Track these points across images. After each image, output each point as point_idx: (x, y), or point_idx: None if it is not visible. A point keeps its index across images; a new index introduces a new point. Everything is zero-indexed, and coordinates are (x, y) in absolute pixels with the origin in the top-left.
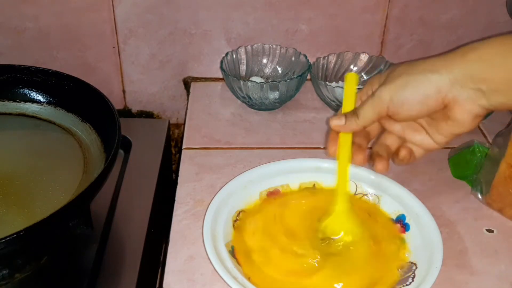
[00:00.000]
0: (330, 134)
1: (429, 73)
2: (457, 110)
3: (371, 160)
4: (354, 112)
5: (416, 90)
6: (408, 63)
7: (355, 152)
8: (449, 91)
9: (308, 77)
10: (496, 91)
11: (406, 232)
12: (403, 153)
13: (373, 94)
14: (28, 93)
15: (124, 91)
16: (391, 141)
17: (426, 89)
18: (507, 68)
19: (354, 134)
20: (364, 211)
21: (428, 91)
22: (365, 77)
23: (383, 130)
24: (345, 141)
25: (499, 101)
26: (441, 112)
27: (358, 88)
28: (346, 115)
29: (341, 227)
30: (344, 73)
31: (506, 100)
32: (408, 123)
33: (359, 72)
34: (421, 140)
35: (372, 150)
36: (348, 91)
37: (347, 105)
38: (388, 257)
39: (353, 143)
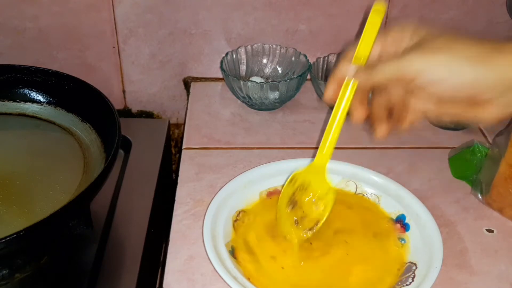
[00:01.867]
0: (333, 76)
1: (469, 62)
2: (486, 111)
3: (368, 121)
4: (372, 65)
5: (450, 75)
6: (450, 36)
7: (355, 105)
8: (486, 91)
9: (308, 77)
10: None
11: (406, 232)
12: (408, 119)
13: (402, 55)
14: (28, 93)
15: (124, 91)
16: (394, 92)
17: (461, 78)
18: None
19: (363, 89)
20: (365, 209)
21: (463, 82)
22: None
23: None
24: (346, 89)
25: None
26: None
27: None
28: (359, 66)
29: (313, 179)
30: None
31: None
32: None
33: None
34: (427, 102)
35: (372, 108)
36: (368, 32)
37: (363, 49)
38: (388, 256)
39: (356, 98)
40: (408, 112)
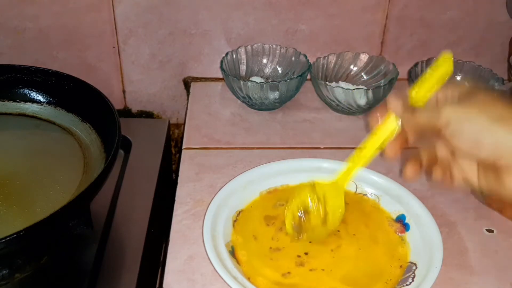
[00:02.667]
0: (381, 107)
1: (497, 123)
2: (508, 179)
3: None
4: (414, 109)
5: (473, 130)
6: (490, 96)
7: (393, 141)
8: (506, 155)
9: (308, 77)
10: None
11: (406, 232)
12: (438, 172)
13: (439, 107)
14: (28, 93)
15: (124, 91)
16: (441, 151)
17: (484, 137)
18: None
19: (404, 129)
20: (363, 211)
21: (485, 140)
22: (365, 77)
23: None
24: (391, 124)
25: None
26: (493, 167)
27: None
28: (411, 99)
29: (330, 195)
30: (344, 73)
31: None
32: None
33: (359, 72)
34: (469, 168)
35: (414, 152)
36: (432, 75)
37: (421, 91)
38: (388, 257)
39: (397, 135)
40: (445, 169)
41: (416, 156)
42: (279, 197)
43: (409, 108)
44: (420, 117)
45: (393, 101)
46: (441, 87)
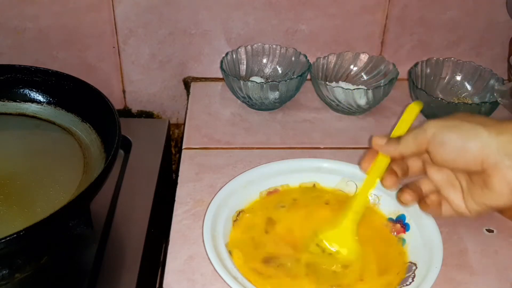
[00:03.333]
0: (369, 151)
1: (478, 127)
2: (495, 179)
3: (403, 191)
4: (397, 138)
5: (458, 137)
6: (468, 113)
7: (388, 175)
8: (492, 155)
9: (308, 77)
10: None
11: (406, 232)
12: (432, 198)
13: (420, 125)
14: (28, 93)
15: (124, 91)
16: (426, 187)
17: (468, 140)
18: None
19: (394, 162)
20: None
21: (470, 143)
22: (365, 77)
23: (423, 173)
24: (381, 161)
25: None
26: (479, 176)
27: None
28: (389, 138)
29: (340, 242)
30: (344, 73)
31: None
32: (449, 177)
33: (359, 72)
34: (454, 198)
35: (404, 185)
36: (405, 118)
37: (398, 130)
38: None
39: (390, 169)
40: (436, 195)
41: (407, 185)
42: (280, 199)
43: (394, 139)
44: (406, 140)
45: (377, 139)
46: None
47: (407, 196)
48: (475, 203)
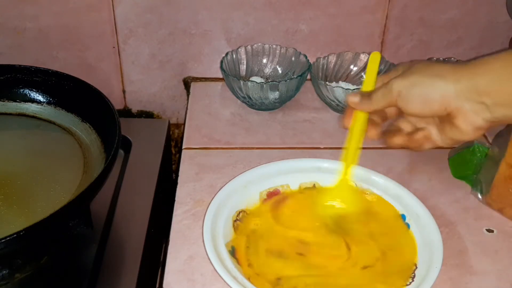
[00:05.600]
0: (347, 108)
1: (437, 79)
2: (459, 120)
3: (384, 137)
4: (369, 95)
5: (421, 92)
6: (426, 62)
7: (370, 127)
8: (453, 101)
9: (308, 77)
10: (501, 105)
11: None
12: (419, 134)
13: (387, 83)
14: (28, 93)
15: (124, 91)
16: (406, 126)
17: (430, 93)
18: None
19: (371, 113)
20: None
21: (432, 96)
22: (365, 77)
23: (401, 114)
24: (359, 117)
25: (504, 114)
26: (447, 117)
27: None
28: (361, 95)
29: (342, 196)
30: (344, 73)
31: (511, 113)
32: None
33: (359, 72)
34: (433, 133)
35: (386, 129)
36: (370, 70)
37: (367, 84)
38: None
39: (369, 120)
40: (421, 131)
41: (390, 130)
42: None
43: (365, 95)
44: (376, 98)
45: (351, 98)
46: (391, 73)
47: (396, 139)
48: (447, 138)
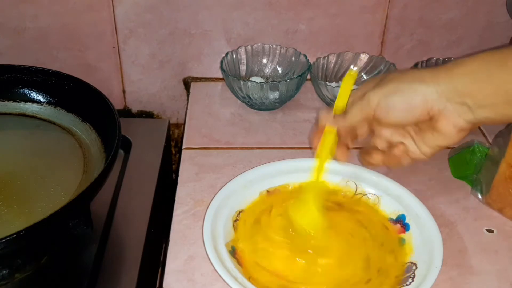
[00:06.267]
0: (316, 129)
1: (417, 83)
2: (442, 123)
3: (361, 156)
4: (344, 112)
5: (402, 99)
6: (401, 70)
7: (339, 147)
8: (435, 103)
9: (308, 77)
10: (482, 106)
11: (406, 232)
12: (398, 150)
13: (363, 96)
14: (28, 93)
15: (124, 91)
16: (379, 143)
17: (412, 98)
18: (492, 83)
19: (341, 134)
20: (361, 213)
21: (414, 100)
22: (365, 77)
23: (371, 133)
24: (328, 135)
25: (485, 116)
26: (427, 123)
27: (355, 88)
28: (335, 111)
29: (308, 223)
30: (344, 73)
31: (492, 115)
32: (397, 129)
33: (359, 72)
34: (409, 146)
35: (363, 149)
36: (343, 89)
37: (340, 102)
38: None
39: (339, 141)
40: (398, 147)
41: (367, 149)
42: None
43: (339, 116)
44: (352, 112)
45: (323, 115)
46: (363, 87)
47: (374, 158)
48: (428, 146)
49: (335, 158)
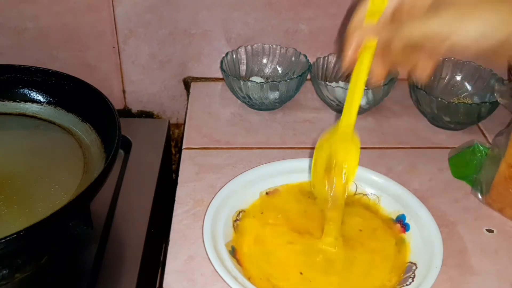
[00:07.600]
0: (348, 38)
1: (503, 23)
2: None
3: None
4: (397, 22)
5: (485, 38)
6: None
7: (377, 63)
8: None
9: (308, 77)
10: None
11: (406, 232)
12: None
13: (432, 13)
14: (28, 93)
15: (124, 91)
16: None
17: (495, 40)
18: None
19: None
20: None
21: (495, 42)
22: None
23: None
24: (368, 49)
25: None
26: None
27: None
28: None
29: (343, 145)
30: (344, 73)
31: None
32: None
33: None
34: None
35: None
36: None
37: (374, 5)
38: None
39: (375, 57)
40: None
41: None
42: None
43: (385, 25)
44: (409, 32)
45: (357, 29)
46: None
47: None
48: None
49: (372, 75)
